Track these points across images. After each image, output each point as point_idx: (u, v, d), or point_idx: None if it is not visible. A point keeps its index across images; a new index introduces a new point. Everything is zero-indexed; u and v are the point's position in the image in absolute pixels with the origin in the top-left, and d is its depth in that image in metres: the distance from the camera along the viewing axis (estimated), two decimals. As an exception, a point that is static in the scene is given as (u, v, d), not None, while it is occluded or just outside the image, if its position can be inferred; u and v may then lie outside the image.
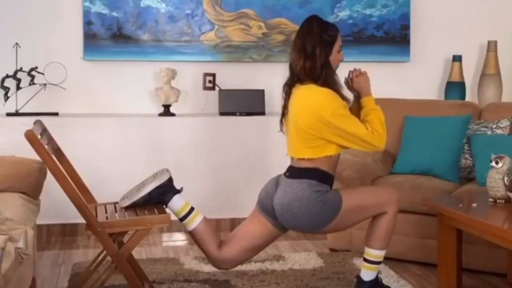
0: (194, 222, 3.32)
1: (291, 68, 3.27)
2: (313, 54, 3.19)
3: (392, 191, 3.37)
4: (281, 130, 3.36)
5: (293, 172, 3.25)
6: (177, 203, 3.30)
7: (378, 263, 3.32)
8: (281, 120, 3.35)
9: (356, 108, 3.31)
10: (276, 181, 3.32)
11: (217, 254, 3.35)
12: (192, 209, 3.33)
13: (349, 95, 3.33)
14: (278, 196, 3.24)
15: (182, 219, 3.32)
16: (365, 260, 3.33)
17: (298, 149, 3.24)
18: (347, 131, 3.15)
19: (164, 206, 3.28)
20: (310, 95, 3.19)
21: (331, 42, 3.22)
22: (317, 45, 3.19)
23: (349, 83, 3.34)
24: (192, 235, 3.37)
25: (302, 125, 3.18)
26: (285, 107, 3.31)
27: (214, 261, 3.38)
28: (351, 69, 3.37)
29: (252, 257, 3.53)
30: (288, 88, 3.29)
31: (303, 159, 3.22)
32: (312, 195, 3.16)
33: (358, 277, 3.36)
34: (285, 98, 3.30)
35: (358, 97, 3.35)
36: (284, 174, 3.29)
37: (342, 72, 3.30)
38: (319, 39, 3.20)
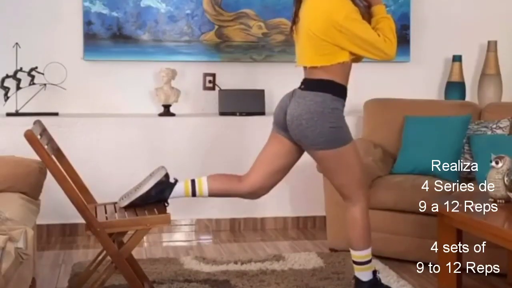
0: (204, 188, 3.31)
1: None
2: None
3: (367, 188, 3.41)
4: (291, 37, 3.32)
5: (308, 84, 3.21)
6: (179, 191, 3.29)
7: (368, 262, 3.32)
8: (291, 28, 3.31)
9: (366, 17, 3.24)
10: (291, 95, 3.27)
11: (245, 189, 3.34)
12: (193, 181, 3.32)
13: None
14: (291, 106, 3.21)
15: (193, 195, 3.31)
16: (355, 262, 3.34)
17: (310, 57, 3.20)
18: (360, 36, 3.11)
19: (166, 204, 3.28)
20: (322, 0, 3.15)
21: None
22: None
23: None
24: (215, 196, 3.37)
25: (315, 31, 3.13)
26: (295, 15, 3.26)
27: (247, 196, 3.39)
28: None
29: (281, 180, 3.44)
30: None
31: (316, 67, 3.17)
32: (326, 112, 3.13)
33: (356, 278, 3.36)
34: (296, 5, 3.26)
35: (368, 6, 3.29)
36: (299, 87, 3.25)
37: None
38: None
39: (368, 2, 3.29)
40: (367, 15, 3.27)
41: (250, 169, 3.39)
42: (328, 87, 3.16)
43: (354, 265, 3.35)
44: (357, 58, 3.24)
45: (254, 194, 3.40)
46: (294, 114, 3.18)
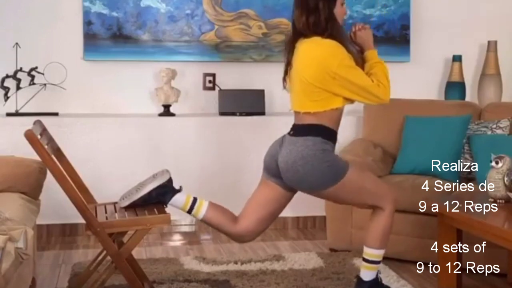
0: (201, 211, 3.31)
1: (294, 26, 3.24)
2: (316, 8, 3.15)
3: (392, 189, 3.38)
4: (284, 87, 3.33)
5: (297, 129, 3.23)
6: (179, 200, 3.29)
7: (377, 262, 3.32)
8: (284, 78, 3.32)
9: (359, 62, 3.26)
10: (280, 141, 3.29)
11: (236, 231, 3.35)
12: (195, 200, 3.32)
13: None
14: (282, 154, 3.22)
15: (189, 211, 3.31)
16: (364, 259, 3.33)
17: (303, 103, 3.21)
18: (354, 82, 3.12)
19: (164, 206, 3.28)
20: (315, 47, 3.16)
21: None
22: None
23: (352, 37, 3.31)
24: (205, 222, 3.37)
25: (308, 77, 3.15)
26: (288, 64, 3.27)
27: (236, 238, 3.41)
28: (354, 23, 3.35)
29: (271, 224, 3.50)
30: (291, 44, 3.25)
31: (309, 113, 3.18)
32: (318, 154, 3.14)
33: (358, 277, 3.36)
34: (288, 55, 3.27)
35: (361, 51, 3.31)
36: (288, 133, 3.27)
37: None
38: None
39: (360, 47, 3.31)
40: (360, 60, 3.29)
41: (243, 214, 3.40)
42: (317, 131, 3.18)
43: (363, 263, 3.34)
44: (350, 101, 3.25)
45: (244, 238, 3.42)
46: (288, 162, 3.19)
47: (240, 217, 3.38)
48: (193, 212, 3.31)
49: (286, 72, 3.30)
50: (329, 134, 3.20)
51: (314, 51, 3.16)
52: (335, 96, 3.16)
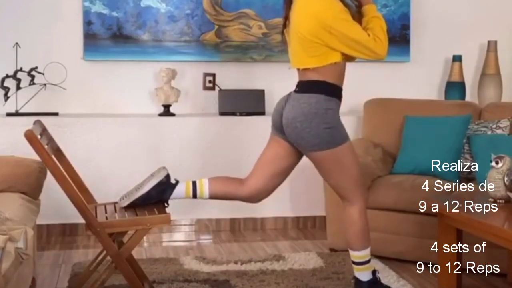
0: (204, 190, 3.31)
1: None
2: None
3: (365, 188, 3.41)
4: (282, 40, 3.33)
5: (302, 86, 3.22)
6: (180, 191, 3.29)
7: (367, 262, 3.32)
8: (282, 32, 3.32)
9: (357, 17, 3.24)
10: (286, 98, 3.29)
11: (246, 193, 3.34)
12: (194, 183, 3.31)
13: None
14: (286, 110, 3.22)
15: (194, 196, 3.31)
16: (353, 262, 3.34)
17: (302, 59, 3.20)
18: (350, 36, 3.11)
19: (166, 204, 3.28)
20: (311, 1, 3.15)
21: None
22: None
23: None
24: (215, 198, 3.37)
25: (304, 33, 3.14)
26: (286, 18, 3.27)
27: (248, 200, 3.39)
28: None
29: (281, 183, 3.44)
30: None
31: (308, 69, 3.18)
32: (320, 113, 3.13)
33: (356, 278, 3.36)
34: (285, 8, 3.26)
35: (359, 6, 3.28)
36: (294, 90, 3.26)
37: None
38: None
39: (358, 2, 3.29)
40: (357, 14, 3.26)
41: (250, 173, 3.38)
42: (321, 88, 3.16)
43: (354, 265, 3.35)
44: (350, 58, 3.24)
45: (255, 197, 3.39)
46: (289, 117, 3.19)
47: (248, 177, 3.36)
48: (198, 194, 3.30)
49: (284, 25, 3.29)
50: (332, 90, 3.18)
51: (310, 6, 3.14)
52: (333, 50, 3.14)
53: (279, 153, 3.34)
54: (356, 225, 3.28)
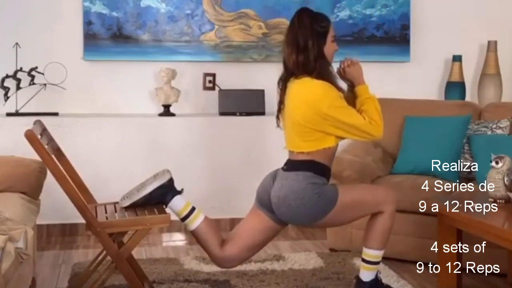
0: (195, 222, 3.32)
1: (285, 64, 3.26)
2: (305, 47, 3.16)
3: (390, 191, 3.36)
4: (278, 125, 3.35)
5: (290, 165, 3.25)
6: (178, 204, 3.30)
7: (377, 263, 3.32)
8: (277, 116, 3.34)
9: (350, 98, 3.27)
10: (274, 175, 3.32)
11: (220, 254, 3.34)
12: (193, 209, 3.32)
13: (343, 85, 3.31)
14: (275, 189, 3.24)
15: (183, 219, 3.32)
16: (364, 260, 3.32)
17: (296, 143, 3.23)
18: (345, 122, 3.14)
19: (164, 207, 3.28)
20: (305, 89, 3.17)
21: (324, 33, 3.19)
22: (309, 37, 3.16)
23: (342, 73, 3.32)
24: (194, 235, 3.36)
25: (299, 119, 3.17)
26: (281, 102, 3.29)
27: (217, 261, 3.38)
28: (343, 59, 3.34)
29: (254, 254, 3.51)
30: (283, 83, 3.27)
31: (302, 152, 3.21)
32: (308, 187, 3.15)
33: (358, 278, 3.36)
34: (281, 93, 3.29)
35: (352, 86, 3.32)
36: (282, 168, 3.29)
37: (335, 64, 3.28)
38: (310, 31, 3.17)
39: (351, 82, 3.32)
40: (351, 94, 3.29)
41: (229, 240, 3.38)
42: (309, 166, 3.19)
43: (362, 263, 3.33)
44: (343, 138, 3.26)
45: (226, 263, 3.40)
46: (280, 197, 3.20)
47: (227, 242, 3.36)
48: (187, 220, 3.31)
49: (279, 110, 3.32)
50: (321, 169, 3.21)
51: (304, 94, 3.17)
52: (328, 135, 3.18)
53: (260, 226, 3.36)
54: (382, 224, 3.26)
